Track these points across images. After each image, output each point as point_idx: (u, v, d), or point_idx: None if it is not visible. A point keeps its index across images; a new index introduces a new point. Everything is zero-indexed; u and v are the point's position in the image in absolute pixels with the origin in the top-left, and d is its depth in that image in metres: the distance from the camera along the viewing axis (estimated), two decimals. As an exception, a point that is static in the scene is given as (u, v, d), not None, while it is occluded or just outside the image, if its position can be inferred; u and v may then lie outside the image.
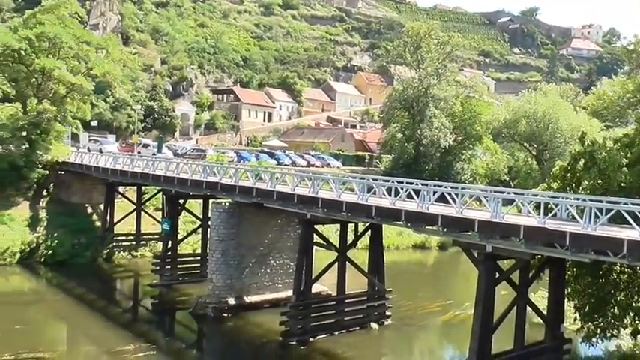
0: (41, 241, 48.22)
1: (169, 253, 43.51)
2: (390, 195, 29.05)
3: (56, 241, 48.50)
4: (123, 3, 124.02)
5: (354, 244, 36.43)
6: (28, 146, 52.42)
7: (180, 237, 44.95)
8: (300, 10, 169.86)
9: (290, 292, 34.06)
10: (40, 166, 52.99)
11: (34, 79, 56.02)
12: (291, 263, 37.76)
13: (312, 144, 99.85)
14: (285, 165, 73.59)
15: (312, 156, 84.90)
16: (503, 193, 26.24)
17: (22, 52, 53.99)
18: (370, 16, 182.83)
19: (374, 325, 35.36)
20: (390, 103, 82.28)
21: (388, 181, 30.94)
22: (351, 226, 35.76)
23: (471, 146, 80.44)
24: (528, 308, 27.03)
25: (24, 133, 52.42)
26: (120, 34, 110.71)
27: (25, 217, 50.37)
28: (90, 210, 54.74)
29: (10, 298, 40.28)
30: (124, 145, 74.04)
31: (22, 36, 54.48)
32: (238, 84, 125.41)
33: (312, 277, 33.19)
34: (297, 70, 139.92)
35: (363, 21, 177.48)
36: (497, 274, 25.27)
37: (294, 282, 33.02)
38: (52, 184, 54.58)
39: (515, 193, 26.52)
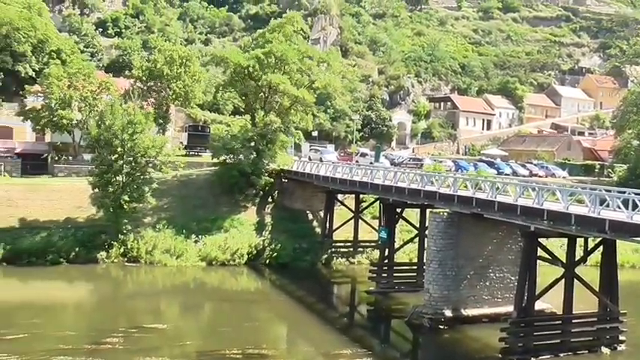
0: (266, 245, 51.04)
1: (386, 261, 43.60)
2: (626, 208, 26.21)
3: (279, 244, 51.03)
4: (342, 17, 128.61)
5: (583, 260, 33.51)
6: (255, 155, 55.86)
7: (396, 245, 44.87)
8: (522, 12, 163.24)
9: (510, 308, 32.29)
10: (266, 174, 56.29)
11: (261, 94, 59.93)
12: (512, 277, 35.85)
13: (534, 152, 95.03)
14: (506, 174, 70.64)
15: (535, 165, 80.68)
16: None
17: (252, 69, 58.00)
18: (600, 13, 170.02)
19: (605, 349, 32.17)
20: (624, 107, 75.61)
21: (624, 192, 27.96)
22: (579, 241, 32.94)
23: None
24: None
25: (252, 143, 55.97)
26: (339, 46, 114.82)
27: (253, 222, 53.72)
28: (310, 216, 56.90)
29: (239, 296, 43.21)
30: (342, 154, 76.18)
31: (251, 55, 58.62)
32: (456, 91, 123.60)
33: (536, 294, 31.13)
34: (518, 75, 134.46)
35: (592, 19, 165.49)
36: None
37: (516, 297, 31.19)
38: (276, 191, 57.67)
39: None
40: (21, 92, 71.99)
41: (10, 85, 78.18)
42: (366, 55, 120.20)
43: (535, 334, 31.12)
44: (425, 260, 38.46)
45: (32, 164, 62.60)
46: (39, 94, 64.91)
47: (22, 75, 77.35)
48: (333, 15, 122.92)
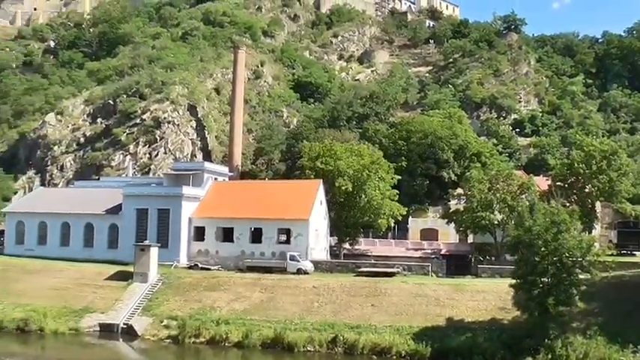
0: None
1: None
2: None
3: None
4: None
5: None
6: None
7: None
8: None
9: None
10: None
11: None
12: None
13: None
14: None
15: None
16: None
17: None
18: None
19: None
20: None
21: None
22: None
23: None
24: None
25: None
26: None
27: None
28: None
29: None
30: None
31: None
32: None
33: None
34: None
35: None
36: None
37: None
38: None
39: None
40: (444, 196, 77.03)
41: (434, 190, 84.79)
42: None
43: None
44: None
45: (456, 264, 65.39)
46: (461, 197, 68.46)
47: (445, 180, 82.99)
48: None
